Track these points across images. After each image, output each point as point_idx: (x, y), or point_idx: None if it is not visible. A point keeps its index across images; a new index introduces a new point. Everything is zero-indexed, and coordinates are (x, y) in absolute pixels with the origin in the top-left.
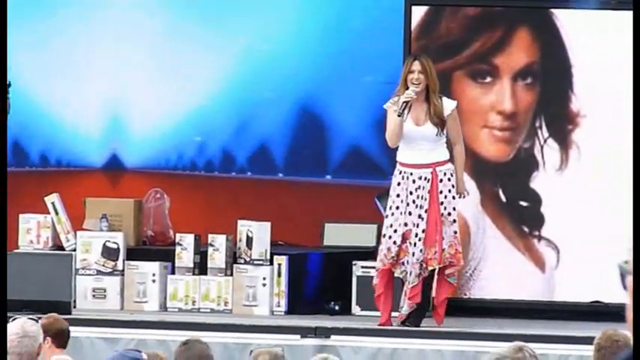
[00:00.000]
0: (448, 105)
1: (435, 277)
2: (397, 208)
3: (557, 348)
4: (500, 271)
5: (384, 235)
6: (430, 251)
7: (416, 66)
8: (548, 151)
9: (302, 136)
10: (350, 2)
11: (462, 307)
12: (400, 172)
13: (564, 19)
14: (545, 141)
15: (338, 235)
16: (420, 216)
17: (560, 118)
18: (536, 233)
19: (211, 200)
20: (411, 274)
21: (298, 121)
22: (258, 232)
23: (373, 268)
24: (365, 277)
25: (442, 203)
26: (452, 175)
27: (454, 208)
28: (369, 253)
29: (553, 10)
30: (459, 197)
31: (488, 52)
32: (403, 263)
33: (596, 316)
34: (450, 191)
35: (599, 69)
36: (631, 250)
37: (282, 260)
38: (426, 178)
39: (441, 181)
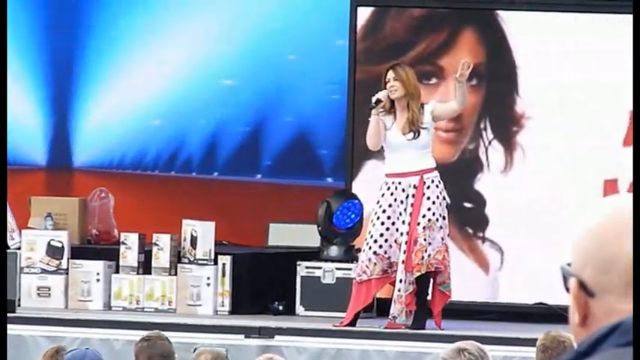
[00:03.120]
0: (427, 109)
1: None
2: (389, 218)
3: (501, 349)
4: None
5: (366, 246)
6: (416, 257)
7: (390, 74)
8: (493, 152)
9: (251, 136)
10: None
11: None
12: (387, 184)
13: (509, 20)
14: (489, 142)
15: (282, 235)
16: (404, 222)
17: (505, 120)
18: (480, 234)
19: (156, 199)
20: (401, 281)
21: (247, 120)
22: (202, 231)
23: (318, 268)
24: (309, 278)
25: (430, 209)
26: (440, 182)
27: (442, 215)
28: (314, 254)
29: (498, 12)
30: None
31: (433, 54)
32: (387, 272)
33: (539, 317)
34: (438, 197)
35: (544, 70)
36: (583, 254)
37: (226, 260)
38: (414, 186)
39: (429, 187)
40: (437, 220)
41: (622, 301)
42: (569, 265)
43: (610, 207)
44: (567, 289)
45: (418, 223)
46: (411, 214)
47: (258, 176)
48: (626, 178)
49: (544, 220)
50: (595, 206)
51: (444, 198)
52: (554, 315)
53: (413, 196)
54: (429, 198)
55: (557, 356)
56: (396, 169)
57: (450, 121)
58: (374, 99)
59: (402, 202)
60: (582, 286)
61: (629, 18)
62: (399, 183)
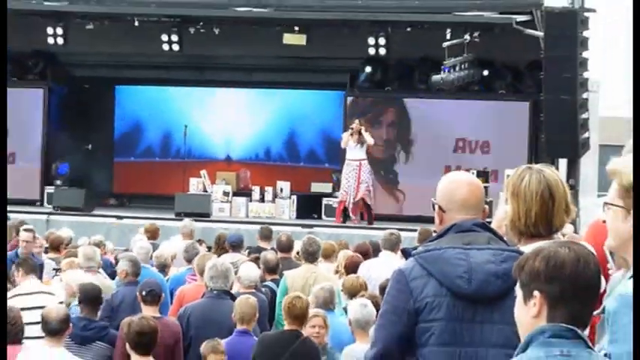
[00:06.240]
0: (367, 136)
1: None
2: (348, 178)
3: (404, 234)
4: (380, 202)
5: (341, 189)
6: (357, 196)
7: (355, 123)
8: (401, 153)
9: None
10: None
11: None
12: (347, 163)
13: (409, 103)
14: (399, 150)
15: (318, 187)
16: (356, 182)
17: (406, 141)
18: (396, 188)
19: (267, 173)
20: (351, 203)
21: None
22: (284, 186)
23: (331, 201)
24: (328, 204)
25: (363, 177)
26: (368, 165)
27: (369, 180)
28: (329, 195)
29: (404, 99)
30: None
31: (376, 117)
32: (346, 200)
33: (420, 222)
34: (368, 172)
35: (423, 121)
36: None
37: (294, 198)
38: (357, 166)
39: (363, 167)
40: (366, 182)
41: (456, 215)
42: (435, 199)
43: (451, 177)
44: (434, 209)
45: (360, 183)
46: (356, 179)
47: (306, 163)
48: (454, 165)
49: (426, 181)
50: (446, 176)
51: (371, 173)
52: (429, 220)
53: (356, 171)
54: (364, 172)
55: (426, 238)
56: (350, 157)
57: (383, 143)
58: (350, 126)
59: (352, 172)
60: (440, 208)
61: (468, 102)
62: (351, 164)
